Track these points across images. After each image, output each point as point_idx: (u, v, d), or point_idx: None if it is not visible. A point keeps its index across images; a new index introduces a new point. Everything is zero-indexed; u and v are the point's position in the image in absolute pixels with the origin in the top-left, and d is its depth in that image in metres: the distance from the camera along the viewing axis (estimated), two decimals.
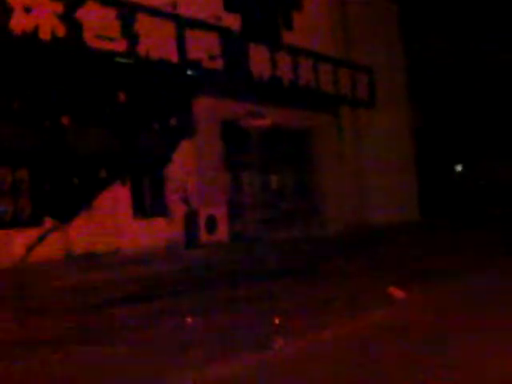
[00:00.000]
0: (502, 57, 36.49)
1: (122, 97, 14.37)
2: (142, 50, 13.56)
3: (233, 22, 17.15)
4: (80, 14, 12.51)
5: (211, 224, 16.09)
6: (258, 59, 16.66)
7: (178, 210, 15.66)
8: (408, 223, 21.15)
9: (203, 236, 15.90)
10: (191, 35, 14.84)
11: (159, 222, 15.13)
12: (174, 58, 14.39)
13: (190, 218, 15.72)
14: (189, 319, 6.35)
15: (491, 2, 34.68)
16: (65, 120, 13.29)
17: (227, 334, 5.63)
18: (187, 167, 15.74)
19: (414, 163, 24.73)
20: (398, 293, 7.31)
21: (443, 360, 4.48)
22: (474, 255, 12.04)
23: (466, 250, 13.35)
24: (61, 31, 12.27)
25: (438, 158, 32.99)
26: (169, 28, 14.41)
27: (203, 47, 15.10)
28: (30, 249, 12.11)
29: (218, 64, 15.46)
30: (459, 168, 38.12)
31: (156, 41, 13.86)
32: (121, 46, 13.26)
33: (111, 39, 13.02)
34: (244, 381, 4.33)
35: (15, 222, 12.79)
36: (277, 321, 5.26)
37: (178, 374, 4.43)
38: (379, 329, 5.78)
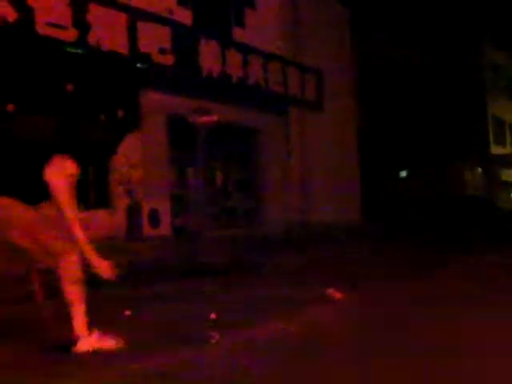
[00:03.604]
0: (447, 62, 37.18)
1: (69, 86, 14.24)
2: (92, 40, 13.48)
3: (185, 16, 17.15)
4: (31, 0, 12.39)
5: (154, 218, 16.08)
6: (209, 55, 16.70)
7: (122, 203, 15.60)
8: (349, 225, 21.45)
9: (146, 229, 15.89)
10: (142, 28, 14.81)
11: (102, 214, 15.04)
12: (124, 50, 14.33)
13: (133, 211, 15.67)
14: (127, 312, 6.39)
15: (440, 9, 35.31)
16: (10, 107, 13.11)
17: (161, 329, 5.69)
18: (132, 160, 15.68)
19: (358, 167, 25.04)
20: (335, 293, 7.45)
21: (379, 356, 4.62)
22: (411, 260, 12.34)
23: (403, 254, 13.67)
24: (11, 16, 12.13)
25: (383, 163, 33.49)
26: (120, 19, 14.34)
27: (154, 40, 15.08)
28: None
29: (168, 58, 15.45)
30: (403, 174, 38.76)
31: (107, 32, 13.78)
32: (71, 35, 13.16)
33: (62, 27, 12.91)
34: (179, 374, 4.41)
35: None
36: (213, 317, 5.32)
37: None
38: (314, 327, 5.91)
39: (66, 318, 4.84)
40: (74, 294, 4.82)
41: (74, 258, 4.83)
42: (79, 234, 4.89)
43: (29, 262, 5.09)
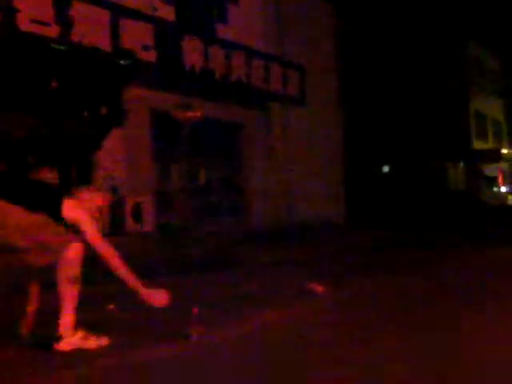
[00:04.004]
0: (430, 58, 37.35)
1: (52, 83, 14.24)
2: (74, 36, 13.50)
3: (168, 13, 17.16)
4: None
5: (137, 213, 16.12)
6: (192, 51, 16.75)
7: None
8: (332, 221, 21.58)
9: (129, 225, 15.93)
10: (125, 24, 14.84)
11: None
12: (107, 47, 14.36)
13: (117, 206, 15.70)
14: (110, 306, 6.46)
15: (424, 5, 35.47)
16: None
17: (143, 325, 5.76)
18: (115, 155, 15.72)
19: (342, 163, 25.13)
20: (317, 287, 7.56)
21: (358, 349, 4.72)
22: (394, 255, 12.48)
23: (385, 249, 13.81)
24: None
25: (366, 159, 33.63)
26: (103, 16, 14.36)
27: (137, 37, 15.11)
28: None
29: (151, 55, 15.49)
30: (386, 169, 38.92)
31: (90, 28, 13.80)
32: (54, 31, 13.17)
33: (44, 24, 12.92)
34: (159, 369, 4.49)
35: None
36: (195, 312, 5.39)
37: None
38: (296, 321, 6.01)
39: (54, 315, 4.87)
40: (68, 292, 4.84)
41: (71, 254, 4.83)
42: (119, 266, 4.91)
43: (27, 270, 5.06)
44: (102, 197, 5.18)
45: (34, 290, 5.13)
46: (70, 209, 4.88)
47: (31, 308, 5.11)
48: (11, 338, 5.02)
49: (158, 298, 5.03)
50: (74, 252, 4.84)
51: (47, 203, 4.91)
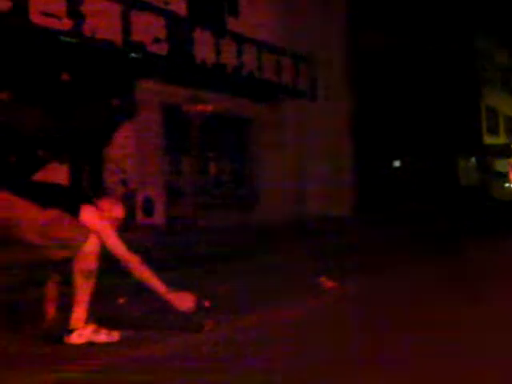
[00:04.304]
0: (441, 53, 37.19)
1: (64, 76, 14.26)
2: (86, 30, 13.51)
3: (179, 6, 17.15)
4: None
5: (148, 207, 16.14)
6: (203, 45, 16.73)
7: (116, 191, 15.63)
8: (343, 216, 21.53)
9: (140, 218, 15.94)
10: (137, 17, 14.84)
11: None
12: (119, 40, 14.37)
13: (128, 200, 15.72)
14: (121, 300, 6.48)
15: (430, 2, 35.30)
16: (4, 96, 13.14)
17: (156, 316, 5.75)
18: (126, 149, 15.74)
19: (352, 157, 25.07)
20: (328, 283, 7.54)
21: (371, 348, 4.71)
22: (404, 251, 12.42)
23: (395, 245, 13.75)
24: (5, 5, 12.16)
25: (376, 154, 33.52)
26: (115, 9, 14.37)
27: (149, 30, 15.11)
28: None
29: (163, 48, 15.49)
30: (397, 163, 38.79)
31: (101, 21, 13.82)
32: (65, 24, 13.18)
33: (57, 17, 12.94)
34: (171, 361, 4.48)
35: None
36: (207, 305, 5.39)
37: None
38: (308, 316, 5.99)
39: (67, 308, 4.87)
40: (83, 285, 4.84)
41: (89, 248, 4.83)
42: (144, 273, 4.93)
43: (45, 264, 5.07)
44: (121, 209, 5.19)
45: (53, 283, 5.17)
46: (89, 215, 4.90)
47: (50, 301, 5.15)
48: (25, 331, 5.04)
49: (185, 302, 5.02)
50: (91, 246, 4.85)
51: (64, 200, 4.93)
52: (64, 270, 4.95)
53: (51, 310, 5.15)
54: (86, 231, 4.86)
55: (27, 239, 4.78)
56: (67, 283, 4.93)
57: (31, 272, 5.24)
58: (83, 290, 4.84)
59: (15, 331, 5.28)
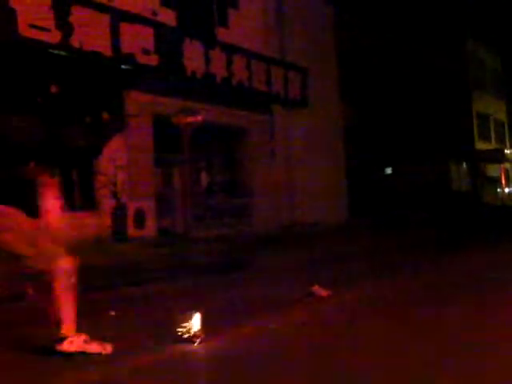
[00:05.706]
0: (432, 59, 37.29)
1: (53, 88, 14.20)
2: (75, 41, 13.47)
3: (169, 17, 17.14)
4: (14, 1, 12.37)
5: (139, 219, 16.08)
6: (193, 55, 16.71)
7: (107, 204, 15.59)
8: (336, 223, 21.51)
9: (131, 230, 15.88)
10: (126, 29, 14.81)
11: (88, 216, 15.01)
12: (108, 51, 14.33)
13: (119, 212, 15.67)
14: (112, 313, 6.44)
15: (424, 5, 35.40)
16: None
17: (151, 326, 5.71)
18: (117, 161, 15.68)
19: (344, 164, 25.08)
20: (321, 292, 7.50)
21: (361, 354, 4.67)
22: (397, 257, 12.42)
23: (388, 251, 13.74)
24: None
25: (368, 161, 33.50)
26: (104, 20, 14.33)
27: (138, 41, 15.08)
28: None
29: (152, 59, 15.45)
30: (389, 171, 38.77)
31: (90, 33, 13.78)
32: (54, 36, 13.14)
33: (45, 29, 12.90)
34: (167, 370, 4.46)
35: None
36: (199, 316, 5.35)
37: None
38: (300, 325, 5.96)
39: (55, 318, 4.82)
40: (66, 298, 4.80)
41: (65, 264, 4.80)
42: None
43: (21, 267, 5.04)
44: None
45: (37, 294, 5.14)
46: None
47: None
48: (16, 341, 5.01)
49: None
50: (66, 263, 4.83)
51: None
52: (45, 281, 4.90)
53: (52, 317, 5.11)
54: (62, 249, 4.85)
55: (17, 250, 4.77)
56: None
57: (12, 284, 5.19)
58: (66, 301, 4.80)
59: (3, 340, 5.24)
